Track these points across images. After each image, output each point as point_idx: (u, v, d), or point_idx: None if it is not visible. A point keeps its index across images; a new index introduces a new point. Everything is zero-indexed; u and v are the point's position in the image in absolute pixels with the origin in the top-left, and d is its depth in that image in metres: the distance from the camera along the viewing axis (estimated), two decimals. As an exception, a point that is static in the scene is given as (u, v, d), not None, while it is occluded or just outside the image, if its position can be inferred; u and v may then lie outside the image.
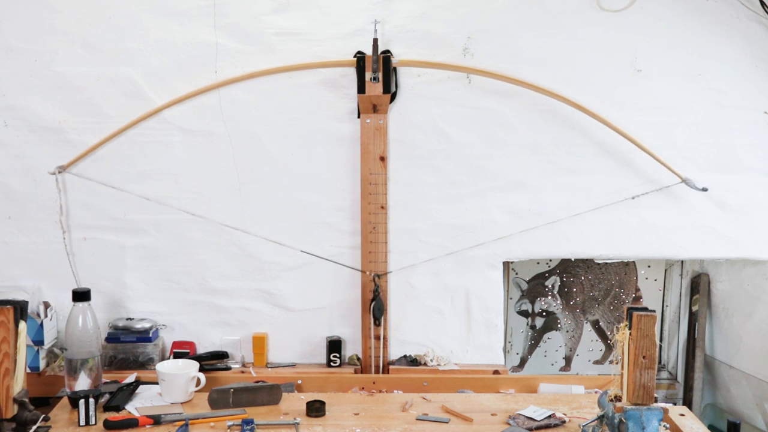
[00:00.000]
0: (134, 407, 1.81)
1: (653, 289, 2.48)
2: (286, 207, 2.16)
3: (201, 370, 1.93)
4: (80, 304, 1.89)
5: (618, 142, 2.09)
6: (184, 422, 1.70)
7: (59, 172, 2.11)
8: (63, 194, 2.13)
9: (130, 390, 1.90)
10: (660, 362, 2.54)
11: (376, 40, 2.04)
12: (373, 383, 2.10)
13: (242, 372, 2.13)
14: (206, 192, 2.15)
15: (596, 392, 2.05)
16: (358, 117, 2.11)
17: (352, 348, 2.22)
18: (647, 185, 2.12)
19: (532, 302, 2.45)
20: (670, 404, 1.98)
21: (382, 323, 2.15)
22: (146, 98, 2.10)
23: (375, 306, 2.13)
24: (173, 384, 1.85)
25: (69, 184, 2.13)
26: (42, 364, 2.07)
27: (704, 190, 2.08)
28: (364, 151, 2.11)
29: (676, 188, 2.11)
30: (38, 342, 2.04)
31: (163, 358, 2.16)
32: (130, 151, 2.13)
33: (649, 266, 2.46)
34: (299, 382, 2.09)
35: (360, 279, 2.16)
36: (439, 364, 2.18)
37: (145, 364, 2.11)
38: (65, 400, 1.83)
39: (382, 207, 2.13)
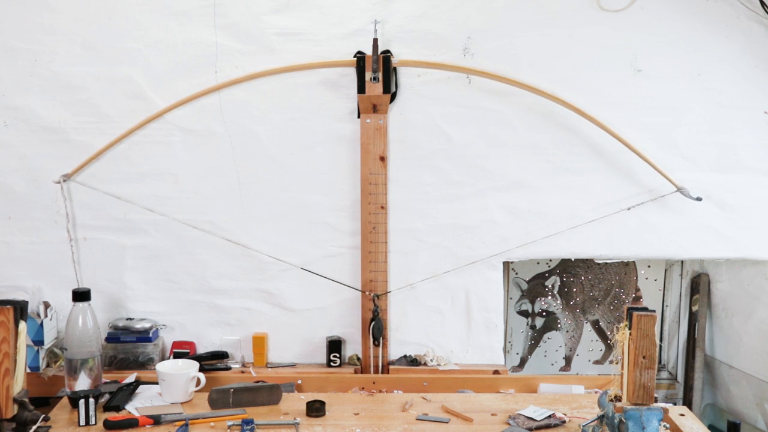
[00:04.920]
0: (134, 407, 1.81)
1: (653, 289, 2.48)
2: (286, 207, 2.16)
3: (201, 370, 1.93)
4: (80, 304, 1.90)
5: (616, 143, 2.09)
6: (184, 422, 1.70)
7: (64, 181, 2.10)
8: (69, 202, 2.12)
9: (130, 390, 1.90)
10: (660, 362, 2.54)
11: (376, 40, 2.04)
12: (373, 383, 2.10)
13: (242, 372, 2.13)
14: (206, 192, 2.15)
15: (596, 392, 2.05)
16: (358, 117, 2.11)
17: (352, 348, 2.22)
18: (644, 194, 2.11)
19: (532, 302, 2.45)
20: (670, 404, 1.98)
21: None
22: (146, 98, 2.10)
23: (374, 326, 2.14)
24: (173, 384, 1.85)
25: (71, 186, 2.14)
26: (42, 364, 2.07)
27: (698, 199, 2.08)
28: (364, 151, 2.11)
29: (673, 193, 2.11)
30: (38, 342, 2.04)
31: (163, 358, 2.16)
32: (131, 152, 2.12)
33: (649, 266, 2.46)
34: (299, 382, 2.09)
35: (360, 299, 2.17)
36: (439, 364, 2.18)
37: (145, 364, 2.11)
38: (65, 400, 1.83)
39: (382, 207, 2.13)
